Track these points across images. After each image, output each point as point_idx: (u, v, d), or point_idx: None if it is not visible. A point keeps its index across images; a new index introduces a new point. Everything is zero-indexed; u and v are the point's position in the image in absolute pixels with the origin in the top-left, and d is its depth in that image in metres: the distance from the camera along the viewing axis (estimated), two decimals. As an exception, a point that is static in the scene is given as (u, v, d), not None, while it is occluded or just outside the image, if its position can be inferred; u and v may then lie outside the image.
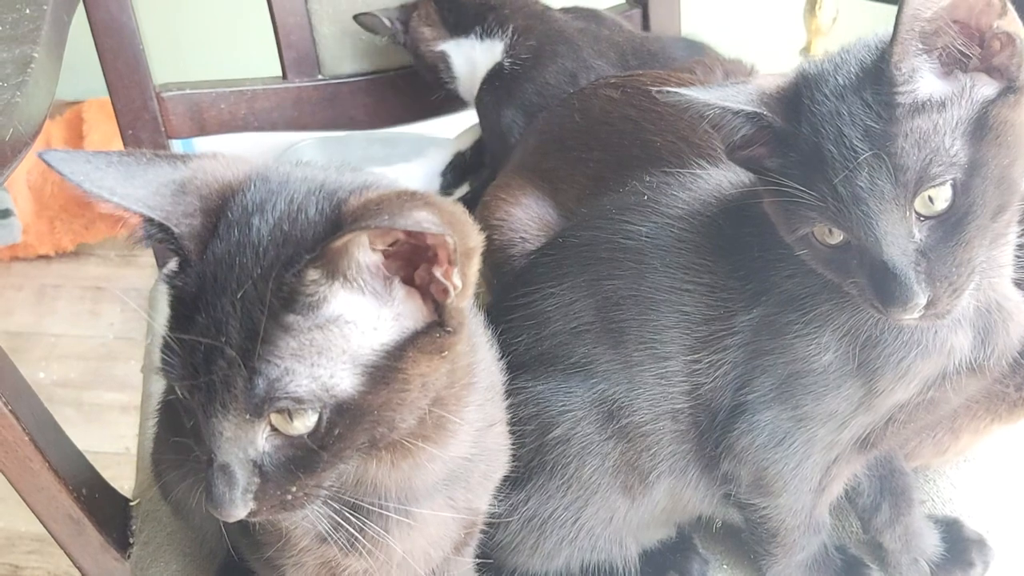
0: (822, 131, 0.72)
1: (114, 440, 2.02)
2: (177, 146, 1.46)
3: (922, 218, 0.70)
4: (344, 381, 0.58)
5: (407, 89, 1.51)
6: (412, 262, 0.60)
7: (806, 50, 1.95)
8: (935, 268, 0.71)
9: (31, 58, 1.00)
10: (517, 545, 0.93)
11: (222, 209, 0.61)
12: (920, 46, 0.69)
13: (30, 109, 0.93)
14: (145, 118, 1.37)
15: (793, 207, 0.74)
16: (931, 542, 0.98)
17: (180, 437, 0.85)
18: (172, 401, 0.92)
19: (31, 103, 0.94)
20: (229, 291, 0.57)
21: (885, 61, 0.69)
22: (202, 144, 1.51)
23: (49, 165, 0.59)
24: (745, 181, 0.86)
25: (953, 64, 0.71)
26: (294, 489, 0.60)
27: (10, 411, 0.89)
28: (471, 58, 1.41)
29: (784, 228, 0.77)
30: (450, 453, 0.70)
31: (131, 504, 1.08)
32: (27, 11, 1.09)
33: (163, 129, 1.39)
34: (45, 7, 1.09)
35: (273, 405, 0.57)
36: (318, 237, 0.58)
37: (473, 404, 0.71)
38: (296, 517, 0.63)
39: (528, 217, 1.15)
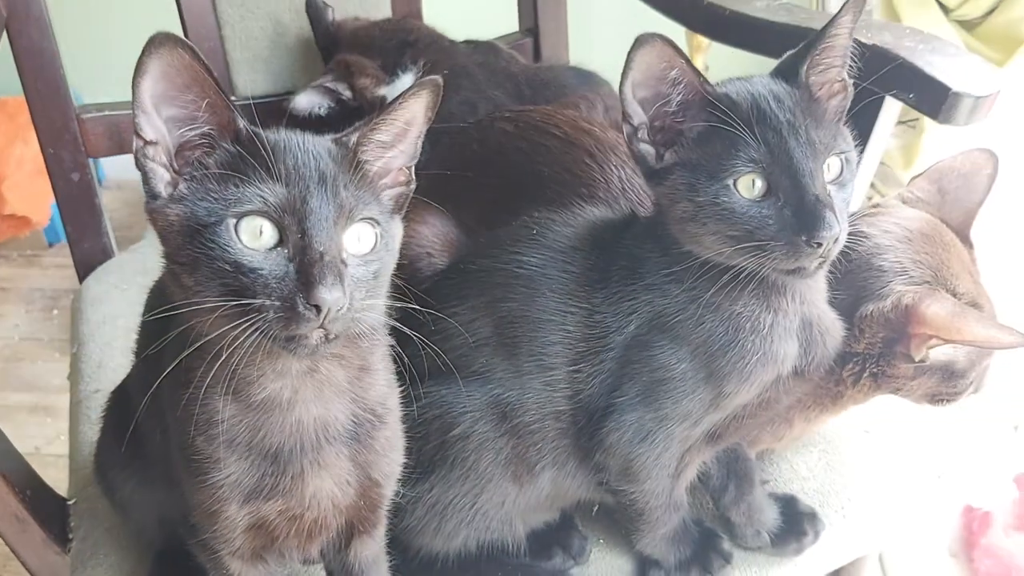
0: (757, 104, 0.86)
1: (23, 440, 1.98)
2: (95, 165, 1.51)
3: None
4: None
5: (318, 110, 1.59)
6: None
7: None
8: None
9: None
10: (422, 528, 1.02)
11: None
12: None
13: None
14: (66, 138, 1.42)
15: (724, 153, 0.85)
16: (771, 516, 1.10)
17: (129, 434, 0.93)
18: (119, 403, 1.01)
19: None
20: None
21: (800, 72, 0.88)
22: (120, 163, 1.56)
23: None
24: (616, 220, 1.00)
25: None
26: None
27: (-36, 423, 0.96)
28: None
29: (700, 190, 0.86)
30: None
31: (68, 503, 1.14)
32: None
33: (83, 148, 1.44)
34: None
35: None
36: None
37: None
38: None
39: (433, 234, 1.20)
